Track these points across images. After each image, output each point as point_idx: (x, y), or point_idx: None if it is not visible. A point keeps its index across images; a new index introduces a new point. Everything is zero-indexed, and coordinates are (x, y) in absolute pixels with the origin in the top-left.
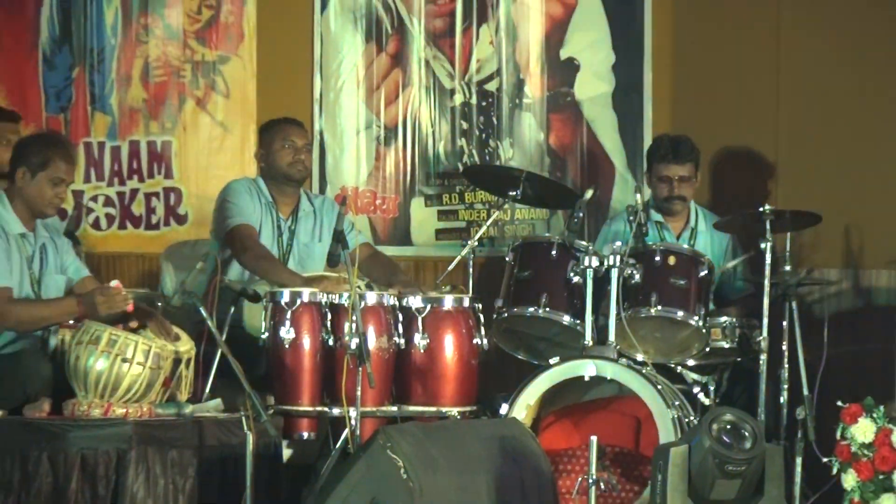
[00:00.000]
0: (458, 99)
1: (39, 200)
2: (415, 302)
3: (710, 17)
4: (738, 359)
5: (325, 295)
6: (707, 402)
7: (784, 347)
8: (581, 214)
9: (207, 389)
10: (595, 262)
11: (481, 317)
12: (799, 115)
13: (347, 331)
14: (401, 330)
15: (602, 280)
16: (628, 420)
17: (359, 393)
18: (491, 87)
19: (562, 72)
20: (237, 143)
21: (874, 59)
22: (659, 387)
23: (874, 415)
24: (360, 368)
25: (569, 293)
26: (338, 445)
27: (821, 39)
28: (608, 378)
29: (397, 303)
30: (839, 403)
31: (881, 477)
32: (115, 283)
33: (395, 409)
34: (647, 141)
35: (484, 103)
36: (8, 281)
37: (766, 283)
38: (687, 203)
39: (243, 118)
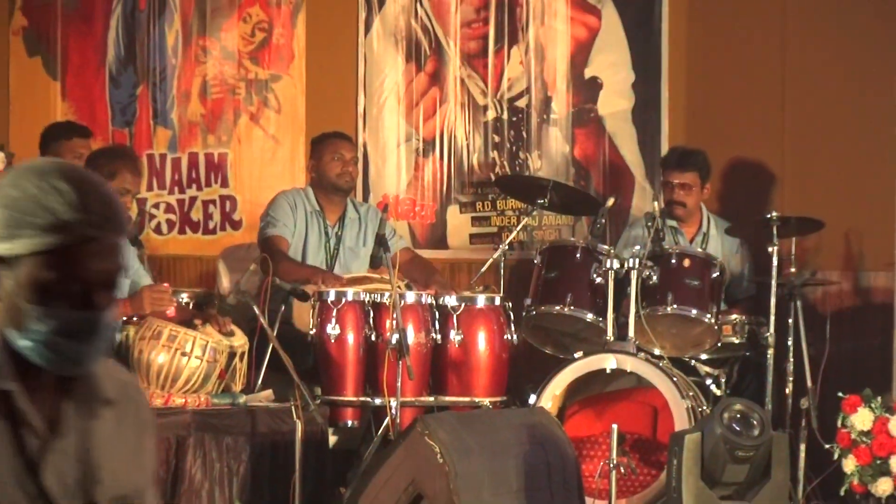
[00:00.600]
0: (491, 114)
1: None
2: (450, 300)
3: (720, 38)
4: (747, 353)
5: (368, 294)
6: (719, 392)
7: (789, 343)
8: (603, 221)
9: (259, 381)
10: (616, 265)
11: (511, 314)
12: (803, 128)
13: (388, 327)
14: (437, 326)
15: (622, 281)
16: (646, 409)
17: (399, 384)
18: (521, 103)
19: (586, 90)
20: (287, 155)
21: (872, 75)
22: (674, 379)
23: (872, 405)
24: (400, 362)
25: (592, 293)
26: (379, 432)
27: (823, 56)
28: (628, 371)
29: (434, 301)
30: (840, 394)
31: (878, 462)
32: (165, 284)
33: (432, 399)
34: (664, 153)
35: (514, 118)
36: None
37: (773, 283)
38: (688, 209)
39: (293, 132)
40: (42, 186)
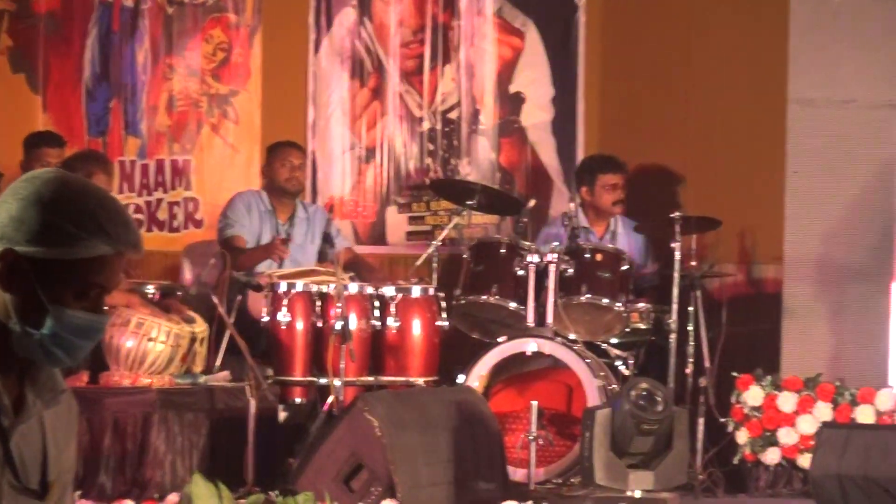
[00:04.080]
0: (426, 125)
1: None
2: (388, 290)
3: (631, 56)
4: (653, 337)
5: (315, 285)
6: (627, 372)
7: (690, 328)
8: (525, 220)
9: (218, 363)
10: (536, 259)
11: (443, 303)
12: (703, 136)
13: (333, 315)
14: (377, 314)
15: (542, 273)
16: (562, 387)
17: (342, 365)
18: (453, 115)
19: (510, 103)
20: (244, 161)
21: (764, 87)
22: (587, 360)
23: (763, 383)
24: (344, 346)
25: (515, 284)
26: (324, 409)
27: (723, 70)
28: (546, 353)
29: (374, 292)
30: (734, 374)
31: (768, 434)
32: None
33: (371, 379)
34: (579, 160)
35: (447, 129)
36: None
37: (676, 275)
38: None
39: (250, 141)
40: (89, 202)
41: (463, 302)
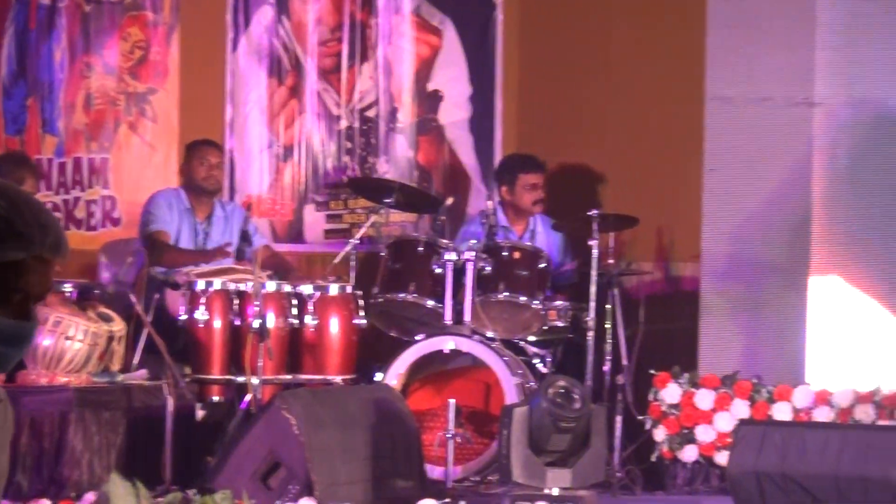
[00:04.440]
0: (344, 124)
1: None
2: (306, 289)
3: (549, 55)
4: (570, 335)
5: (233, 284)
6: (544, 370)
7: (607, 326)
8: (443, 218)
9: (135, 361)
10: (454, 257)
11: (361, 301)
12: (622, 134)
13: (251, 313)
14: (295, 312)
15: (460, 271)
16: (480, 385)
17: (260, 364)
18: (370, 114)
19: (428, 101)
20: (162, 160)
21: (681, 87)
22: (505, 358)
23: (680, 381)
24: (262, 344)
25: (433, 282)
26: (242, 407)
27: (641, 69)
28: (464, 351)
29: (292, 290)
30: (652, 372)
31: (685, 431)
32: None
33: (289, 377)
34: (497, 158)
35: (364, 127)
36: None
37: (594, 273)
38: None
39: (167, 139)
40: (5, 205)
41: (381, 300)
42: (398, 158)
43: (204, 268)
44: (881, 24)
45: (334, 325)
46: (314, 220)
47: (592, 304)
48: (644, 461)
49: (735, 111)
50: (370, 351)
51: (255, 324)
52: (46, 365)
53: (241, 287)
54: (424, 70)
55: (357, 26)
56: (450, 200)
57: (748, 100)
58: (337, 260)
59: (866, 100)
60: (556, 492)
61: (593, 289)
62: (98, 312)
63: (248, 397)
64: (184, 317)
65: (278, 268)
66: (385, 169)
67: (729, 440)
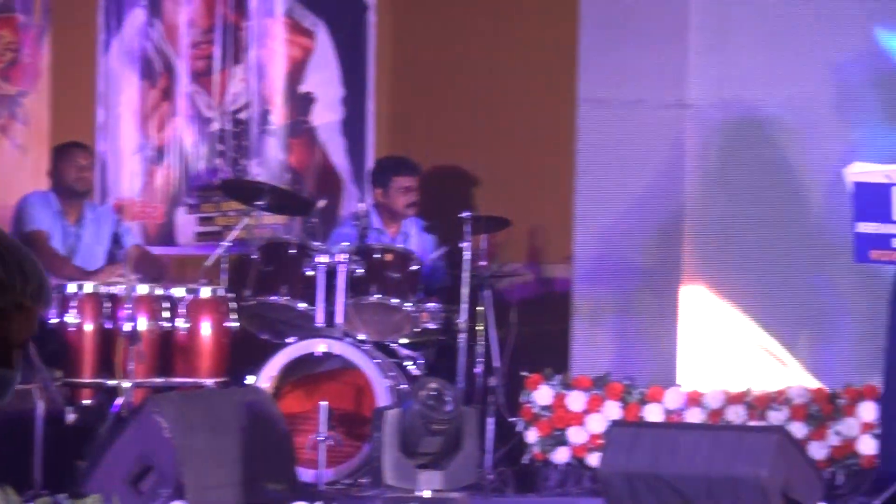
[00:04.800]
0: (216, 126)
1: None
2: (178, 292)
3: (422, 58)
4: (443, 337)
5: (104, 287)
6: (416, 372)
7: (479, 328)
8: (315, 220)
9: None
10: (326, 259)
11: (232, 304)
12: (494, 136)
13: (123, 316)
14: (166, 315)
15: (332, 274)
16: (352, 388)
17: (131, 367)
18: (242, 116)
19: (300, 104)
20: (33, 163)
21: (554, 89)
22: (377, 360)
23: (552, 382)
24: (133, 347)
25: (304, 284)
26: (113, 411)
27: (513, 69)
28: (336, 354)
29: (164, 292)
30: (524, 373)
31: (557, 433)
32: None
33: (161, 380)
34: (369, 161)
35: (237, 130)
36: None
37: (466, 275)
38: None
39: (39, 142)
40: None
41: (252, 303)
42: (270, 161)
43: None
44: (752, 27)
45: (206, 328)
46: (186, 223)
47: (464, 307)
48: (516, 463)
49: (607, 113)
50: (242, 354)
51: (127, 327)
52: None
53: (113, 290)
54: (297, 72)
55: (229, 29)
56: (321, 203)
57: (620, 102)
58: (209, 263)
59: (738, 101)
60: (427, 494)
61: (465, 291)
62: None
63: (119, 401)
64: (54, 320)
65: (151, 268)
66: (257, 171)
67: (601, 442)
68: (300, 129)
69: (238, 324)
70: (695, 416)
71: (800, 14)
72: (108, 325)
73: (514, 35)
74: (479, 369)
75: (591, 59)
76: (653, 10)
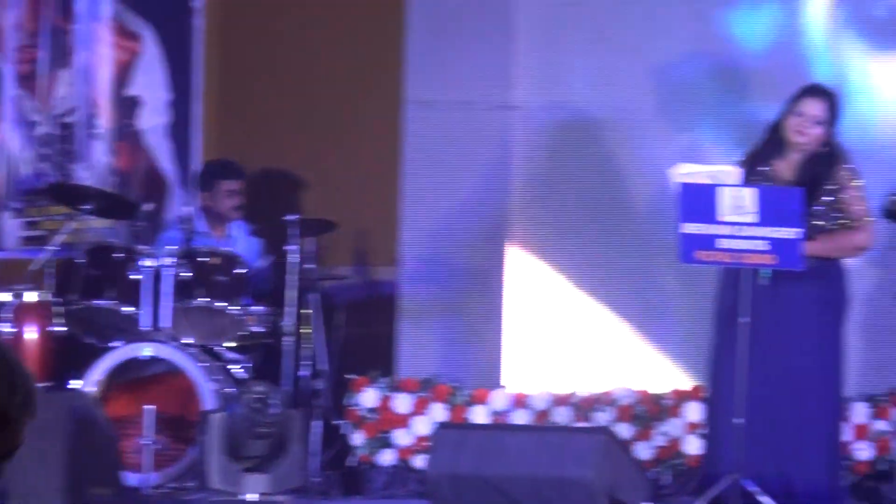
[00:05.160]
0: (42, 130)
1: None
2: (3, 296)
3: (251, 63)
4: (269, 340)
5: None
6: (243, 376)
7: (306, 331)
8: (141, 224)
9: None
10: (152, 263)
11: (58, 308)
12: (322, 139)
13: None
14: None
15: (158, 277)
16: (178, 392)
17: None
18: (69, 120)
19: (126, 107)
20: None
21: (380, 92)
22: (203, 364)
23: (378, 385)
24: None
25: (130, 288)
26: None
27: (339, 75)
28: (162, 357)
29: None
30: (350, 376)
31: (383, 435)
32: None
33: None
34: (196, 164)
35: (63, 134)
36: None
37: (292, 278)
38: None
39: None
40: None
41: (78, 307)
42: (96, 165)
43: None
44: (580, 28)
45: (31, 333)
46: (11, 228)
47: (291, 310)
48: (342, 466)
49: (434, 115)
50: (67, 358)
51: None
52: None
53: None
54: (123, 76)
55: (56, 32)
56: (148, 206)
57: (446, 103)
58: (34, 267)
59: (565, 103)
60: (253, 497)
61: (292, 294)
62: None
63: None
64: None
65: None
66: (83, 175)
67: (427, 444)
68: (126, 133)
69: (64, 328)
70: (521, 417)
71: (627, 15)
72: None
73: (341, 38)
74: (305, 372)
75: (417, 60)
76: (480, 12)
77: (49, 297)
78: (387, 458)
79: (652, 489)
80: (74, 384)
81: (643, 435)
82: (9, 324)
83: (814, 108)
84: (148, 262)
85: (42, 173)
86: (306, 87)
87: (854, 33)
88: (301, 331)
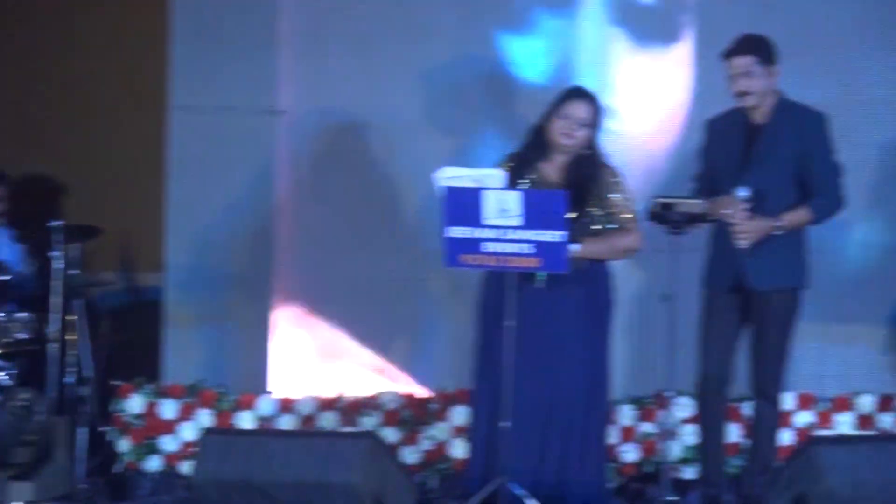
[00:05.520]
0: None
1: None
2: None
3: (11, 66)
4: (34, 347)
5: None
6: (7, 383)
7: (71, 337)
8: None
9: None
10: None
11: None
12: (85, 144)
13: None
14: None
15: None
16: None
17: None
18: None
19: None
20: None
21: (147, 95)
22: None
23: (144, 391)
24: None
25: None
26: None
27: (102, 80)
28: None
29: None
30: (115, 382)
31: (149, 441)
32: None
33: None
34: None
35: None
36: None
37: (57, 284)
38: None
39: None
40: None
41: None
42: None
43: None
44: (345, 34)
45: None
46: None
47: (55, 316)
48: (108, 472)
49: (198, 120)
50: None
51: None
52: None
53: None
54: None
55: None
56: None
57: (211, 108)
58: None
59: (331, 108)
60: None
61: (56, 300)
62: None
63: None
64: None
65: None
66: None
67: (194, 450)
68: None
69: None
70: (287, 422)
71: (391, 21)
72: None
73: (104, 42)
74: (70, 379)
75: (182, 65)
76: (244, 17)
77: None
78: (153, 464)
79: (418, 493)
80: None
81: (410, 439)
82: None
83: (579, 110)
84: None
85: None
86: (69, 92)
87: (625, 31)
88: (66, 337)
